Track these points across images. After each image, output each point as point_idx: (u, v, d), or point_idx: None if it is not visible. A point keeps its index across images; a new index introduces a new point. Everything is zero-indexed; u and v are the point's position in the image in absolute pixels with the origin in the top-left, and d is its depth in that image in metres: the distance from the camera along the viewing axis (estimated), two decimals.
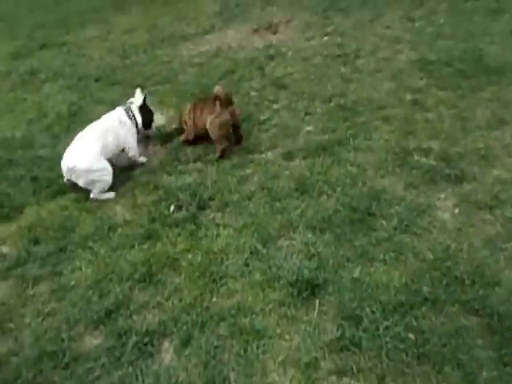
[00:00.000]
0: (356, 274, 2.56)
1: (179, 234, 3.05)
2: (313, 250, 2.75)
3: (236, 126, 3.76)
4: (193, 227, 3.07)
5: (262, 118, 4.13)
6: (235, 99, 4.25)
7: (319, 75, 4.69)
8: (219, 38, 6.20)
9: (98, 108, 4.74)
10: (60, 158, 3.56)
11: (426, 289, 2.38)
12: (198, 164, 3.71)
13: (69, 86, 5.51)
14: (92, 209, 3.46)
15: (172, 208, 3.26)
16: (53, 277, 2.94)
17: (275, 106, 4.31)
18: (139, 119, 3.84)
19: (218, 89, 3.67)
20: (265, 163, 3.57)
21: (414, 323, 2.23)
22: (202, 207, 3.24)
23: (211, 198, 3.30)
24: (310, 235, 2.87)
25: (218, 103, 3.61)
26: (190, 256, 2.87)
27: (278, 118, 4.09)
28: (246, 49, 5.69)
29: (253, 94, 4.61)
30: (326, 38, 5.61)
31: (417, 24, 5.50)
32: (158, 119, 4.19)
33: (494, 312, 2.21)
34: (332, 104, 4.20)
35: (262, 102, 4.42)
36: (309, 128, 3.91)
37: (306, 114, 4.12)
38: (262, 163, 3.58)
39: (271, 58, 5.30)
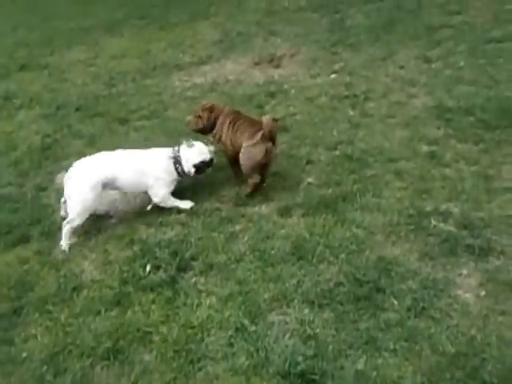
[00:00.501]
0: (360, 365, 2.35)
1: (154, 301, 2.85)
2: (309, 331, 2.55)
3: (266, 166, 3.61)
4: (170, 293, 2.87)
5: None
6: None
7: (324, 118, 4.59)
8: (216, 70, 6.16)
9: (74, 142, 4.61)
10: (26, 198, 3.43)
11: None
12: (182, 216, 3.52)
13: (45, 114, 5.41)
14: (56, 264, 3.27)
15: (148, 268, 3.06)
16: (1, 345, 2.72)
17: None
18: (190, 169, 3.62)
19: (266, 120, 3.48)
20: (258, 219, 3.40)
21: None
22: (182, 268, 3.04)
23: (194, 258, 3.11)
24: (306, 311, 2.68)
25: (260, 133, 3.47)
26: (164, 329, 2.68)
27: (275, 166, 3.95)
28: (244, 83, 5.64)
29: None
30: (333, 75, 5.56)
31: (433, 65, 5.46)
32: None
33: None
34: (337, 152, 4.08)
35: None
36: (310, 179, 3.76)
37: (308, 162, 3.98)
38: (255, 219, 3.40)
39: (272, 95, 5.23)
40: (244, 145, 3.52)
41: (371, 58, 5.82)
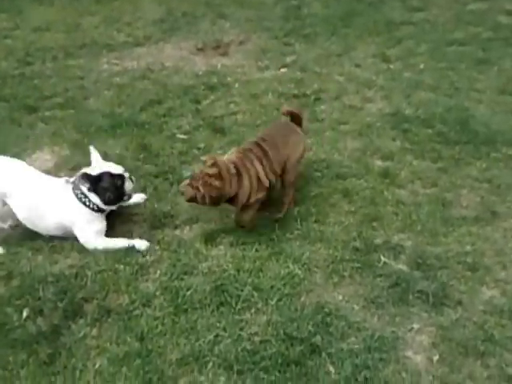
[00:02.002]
0: None
1: (23, 365, 2.17)
2: None
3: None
4: (48, 351, 2.21)
5: (185, 174, 3.36)
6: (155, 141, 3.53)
7: (268, 120, 4.00)
8: (152, 54, 5.42)
9: None
10: None
11: None
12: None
13: None
14: None
15: (25, 313, 2.38)
16: None
17: (205, 159, 3.55)
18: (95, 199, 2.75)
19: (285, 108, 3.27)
20: (176, 247, 2.79)
21: None
22: (70, 315, 2.39)
23: (88, 300, 2.47)
24: (222, 379, 2.11)
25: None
26: None
27: None
28: (182, 72, 4.95)
29: (179, 136, 3.84)
30: (283, 69, 4.98)
31: (392, 66, 4.98)
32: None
33: None
34: None
35: (189, 151, 3.65)
36: None
37: None
38: (173, 247, 2.80)
39: (212, 88, 4.58)
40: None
41: (326, 53, 5.27)
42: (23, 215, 2.77)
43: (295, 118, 3.17)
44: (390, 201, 3.15)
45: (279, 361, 2.16)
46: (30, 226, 2.81)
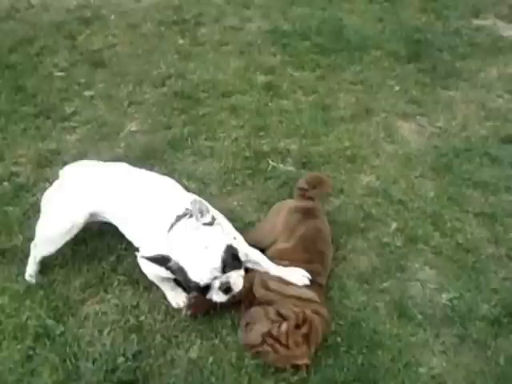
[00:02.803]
0: (194, 353, 1.93)
1: None
2: (132, 320, 2.05)
3: None
4: None
5: (68, 110, 3.19)
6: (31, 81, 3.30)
7: (149, 49, 3.86)
8: None
9: None
10: None
11: None
12: None
13: None
14: None
15: None
16: None
17: (87, 93, 3.38)
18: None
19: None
20: None
21: None
22: None
23: None
24: (129, 293, 2.15)
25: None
26: None
27: (90, 111, 3.20)
28: (52, 8, 4.53)
29: (57, 74, 3.59)
30: None
31: None
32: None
33: None
34: (165, 89, 3.44)
35: (69, 87, 3.44)
36: (133, 126, 3.11)
37: (130, 104, 3.29)
38: None
39: (87, 22, 4.27)
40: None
41: None
42: None
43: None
44: (275, 111, 3.25)
45: None
46: None
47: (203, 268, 1.70)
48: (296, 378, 1.81)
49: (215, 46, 3.94)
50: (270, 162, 2.83)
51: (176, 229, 1.82)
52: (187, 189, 2.28)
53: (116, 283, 2.19)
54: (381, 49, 3.87)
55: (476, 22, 4.26)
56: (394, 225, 2.46)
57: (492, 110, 3.23)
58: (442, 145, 2.95)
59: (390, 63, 3.73)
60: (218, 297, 1.76)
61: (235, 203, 2.59)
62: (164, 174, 2.63)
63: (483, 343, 1.95)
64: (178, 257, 1.73)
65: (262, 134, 3.05)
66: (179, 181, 2.39)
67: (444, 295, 2.14)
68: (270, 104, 3.31)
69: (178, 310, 2.06)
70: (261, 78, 3.56)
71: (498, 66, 3.66)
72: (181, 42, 4.02)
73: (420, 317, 2.05)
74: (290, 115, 3.20)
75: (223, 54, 3.84)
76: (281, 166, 2.82)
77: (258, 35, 4.08)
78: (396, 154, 2.91)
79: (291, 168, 2.81)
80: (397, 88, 3.46)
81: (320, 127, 3.11)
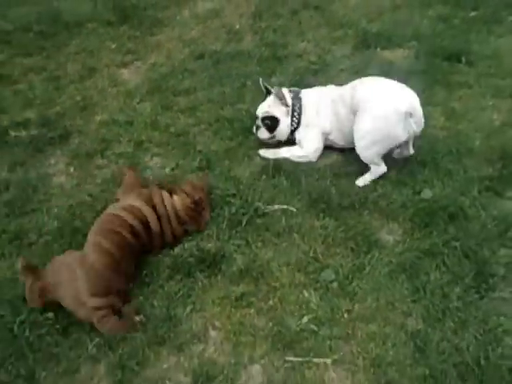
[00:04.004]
0: None
1: None
2: None
3: None
4: None
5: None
6: None
7: None
8: None
9: None
10: None
11: None
12: None
13: None
14: None
15: None
16: None
17: None
18: None
19: None
20: None
21: None
22: None
23: None
24: None
25: None
26: None
27: None
28: None
29: None
30: None
31: None
32: None
33: None
34: None
35: None
36: None
37: None
38: None
39: None
40: None
41: None
42: None
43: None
44: (10, 95, 3.53)
45: None
46: None
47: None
48: None
49: None
50: (13, 132, 3.15)
51: None
52: None
53: None
54: (95, 21, 4.36)
55: None
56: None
57: (187, 41, 3.97)
58: (153, 75, 3.59)
59: (106, 30, 4.25)
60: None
61: None
62: None
63: None
64: None
65: (1, 116, 3.32)
66: None
67: None
68: (4, 91, 3.57)
69: None
70: None
71: (189, 8, 4.45)
72: None
73: None
74: (25, 94, 3.52)
75: None
76: (23, 133, 3.15)
77: None
78: (120, 92, 3.45)
79: (33, 132, 3.15)
80: (113, 46, 4.01)
81: (53, 94, 3.50)
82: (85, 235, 2.17)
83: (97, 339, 1.92)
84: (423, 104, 2.44)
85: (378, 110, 2.38)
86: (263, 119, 2.76)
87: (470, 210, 2.29)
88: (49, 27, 4.32)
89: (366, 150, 2.46)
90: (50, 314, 2.01)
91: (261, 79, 2.84)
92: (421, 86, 2.90)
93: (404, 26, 3.76)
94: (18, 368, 1.87)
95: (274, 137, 2.80)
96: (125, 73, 3.70)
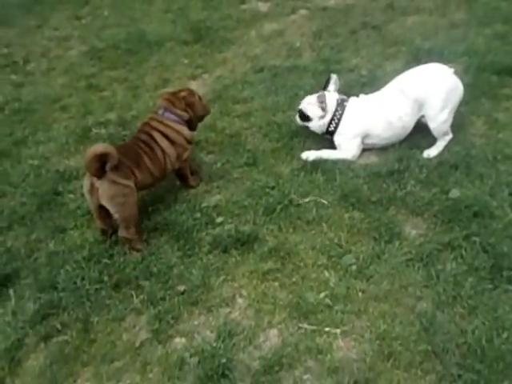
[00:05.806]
0: (51, 247, 2.66)
1: None
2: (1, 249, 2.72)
3: None
4: None
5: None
6: None
7: None
8: None
9: None
10: None
11: None
12: None
13: None
14: None
15: None
16: None
17: None
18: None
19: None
20: None
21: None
22: None
23: None
24: None
25: None
26: None
27: None
28: None
29: None
30: None
31: (83, 21, 5.86)
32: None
33: None
34: (6, 111, 4.15)
35: None
36: None
37: None
38: None
39: None
40: None
41: (26, 28, 5.87)
42: None
43: None
44: (96, 100, 4.09)
45: (34, 209, 2.97)
46: None
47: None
48: None
49: (44, 73, 4.74)
50: (94, 130, 3.67)
51: None
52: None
53: None
54: (174, 40, 4.90)
55: (243, 6, 5.47)
56: None
57: (251, 57, 4.34)
58: (216, 86, 3.99)
59: (181, 48, 4.75)
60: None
61: (72, 163, 3.38)
62: (12, 163, 3.35)
63: None
64: None
65: (87, 116, 3.87)
66: (25, 162, 3.13)
67: None
68: (92, 97, 4.15)
69: None
70: (83, 83, 4.40)
71: (255, 29, 4.84)
72: (13, 77, 4.76)
73: None
74: (108, 100, 4.07)
75: (51, 77, 4.64)
76: (103, 130, 3.66)
77: (79, 56, 4.95)
78: None
79: (111, 130, 3.65)
80: (186, 61, 4.48)
81: (131, 100, 4.01)
82: None
83: (141, 296, 2.25)
84: (467, 114, 2.55)
85: (442, 79, 2.73)
86: (299, 110, 3.08)
87: (497, 210, 2.35)
88: (134, 45, 4.92)
89: (445, 122, 2.78)
90: (106, 278, 2.38)
91: (334, 75, 3.12)
92: (466, 97, 2.98)
93: (458, 43, 3.84)
94: (77, 313, 2.25)
95: (307, 127, 3.09)
96: (193, 84, 4.13)
